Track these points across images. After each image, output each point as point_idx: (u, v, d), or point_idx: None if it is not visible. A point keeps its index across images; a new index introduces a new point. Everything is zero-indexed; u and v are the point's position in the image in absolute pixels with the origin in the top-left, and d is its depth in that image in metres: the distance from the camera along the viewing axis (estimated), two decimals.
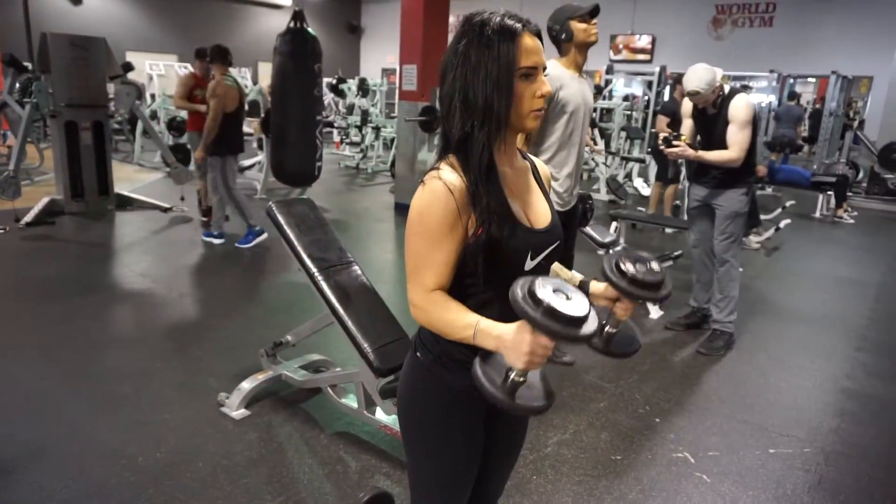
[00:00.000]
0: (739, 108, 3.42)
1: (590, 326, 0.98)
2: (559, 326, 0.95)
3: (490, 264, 1.14)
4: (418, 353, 1.26)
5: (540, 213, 1.23)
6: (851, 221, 8.10)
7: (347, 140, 12.31)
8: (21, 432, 2.51)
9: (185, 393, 2.91)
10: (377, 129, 10.85)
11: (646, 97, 10.49)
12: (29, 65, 8.41)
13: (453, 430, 1.27)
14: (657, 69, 9.89)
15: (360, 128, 11.23)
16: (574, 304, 0.97)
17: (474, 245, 1.12)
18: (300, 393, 2.91)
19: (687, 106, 3.70)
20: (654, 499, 2.32)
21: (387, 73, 18.25)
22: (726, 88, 3.50)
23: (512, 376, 1.03)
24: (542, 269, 1.22)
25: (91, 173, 6.23)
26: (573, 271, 1.46)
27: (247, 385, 2.78)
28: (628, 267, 1.15)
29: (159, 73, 13.35)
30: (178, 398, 2.85)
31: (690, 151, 3.50)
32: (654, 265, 1.17)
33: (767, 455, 2.64)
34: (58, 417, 2.64)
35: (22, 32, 11.24)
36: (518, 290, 0.98)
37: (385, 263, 5.38)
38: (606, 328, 1.20)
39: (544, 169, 1.34)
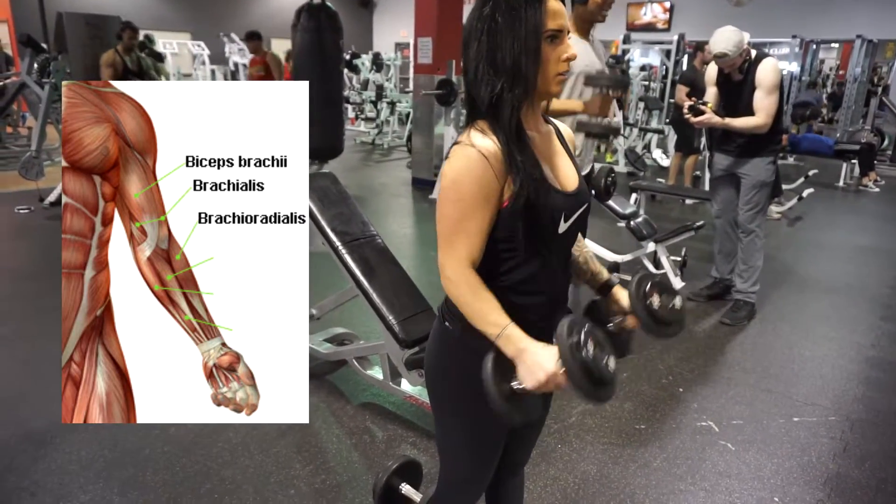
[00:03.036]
0: (767, 73, 3.34)
1: (608, 393, 1.04)
2: (587, 384, 1.00)
3: (525, 228, 1.13)
4: (447, 323, 1.26)
5: (568, 177, 1.22)
6: (877, 190, 7.94)
7: (363, 116, 12.27)
8: (58, 405, 2.56)
9: None
10: (392, 104, 10.79)
11: (664, 67, 10.29)
12: (45, 45, 8.43)
13: (483, 395, 1.29)
14: (675, 38, 9.68)
15: (374, 103, 11.17)
16: (607, 369, 1.02)
17: (511, 209, 1.11)
18: (325, 365, 2.95)
19: (711, 73, 3.62)
20: (679, 466, 2.34)
21: (400, 47, 18.06)
22: (753, 53, 3.42)
23: (516, 387, 1.07)
24: (573, 233, 1.22)
25: None
26: (597, 262, 1.45)
27: None
28: (653, 299, 1.19)
29: (173, 51, 13.31)
30: None
31: (717, 119, 3.44)
32: (678, 302, 1.21)
33: (792, 423, 2.64)
34: None
35: (36, 12, 11.25)
36: (566, 330, 1.02)
37: (404, 238, 5.39)
38: (609, 327, 1.27)
39: (568, 132, 1.33)
